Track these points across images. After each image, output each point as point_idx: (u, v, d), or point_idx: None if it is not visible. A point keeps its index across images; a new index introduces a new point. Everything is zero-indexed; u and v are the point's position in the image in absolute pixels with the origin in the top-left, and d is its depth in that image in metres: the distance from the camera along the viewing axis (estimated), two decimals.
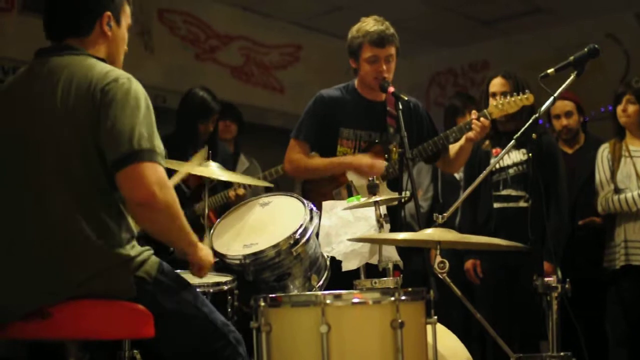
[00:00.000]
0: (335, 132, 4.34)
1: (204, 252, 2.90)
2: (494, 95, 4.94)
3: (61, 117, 2.63)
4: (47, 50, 2.82)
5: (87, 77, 2.66)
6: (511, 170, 4.93)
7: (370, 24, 4.29)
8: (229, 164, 5.72)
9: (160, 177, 2.63)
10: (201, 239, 4.09)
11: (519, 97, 4.27)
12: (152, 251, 2.77)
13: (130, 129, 2.60)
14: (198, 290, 3.01)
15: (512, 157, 4.94)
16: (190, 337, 2.78)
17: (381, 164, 4.22)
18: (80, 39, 2.81)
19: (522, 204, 4.90)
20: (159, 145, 2.67)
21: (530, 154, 4.83)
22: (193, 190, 4.96)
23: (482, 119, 4.17)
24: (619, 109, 5.11)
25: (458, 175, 5.85)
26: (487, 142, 5.09)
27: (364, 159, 4.24)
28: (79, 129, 2.62)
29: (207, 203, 4.02)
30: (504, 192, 4.95)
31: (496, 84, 4.99)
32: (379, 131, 4.37)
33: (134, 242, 2.72)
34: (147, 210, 2.62)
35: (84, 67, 2.70)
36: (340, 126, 4.34)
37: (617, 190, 5.01)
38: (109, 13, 2.85)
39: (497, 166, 4.93)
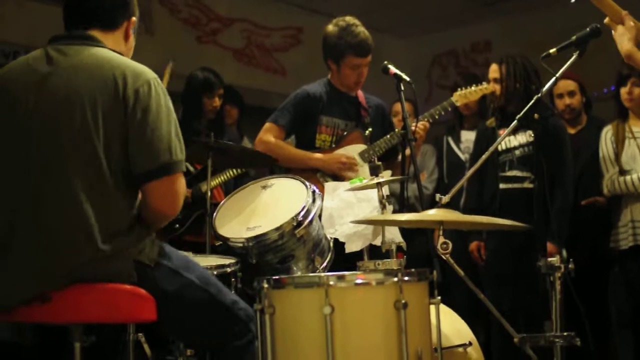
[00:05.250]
0: (314, 122, 4.57)
1: None
2: (489, 80, 5.07)
3: (85, 108, 2.62)
4: (65, 37, 2.81)
5: (114, 71, 2.66)
6: (517, 152, 4.94)
7: (352, 33, 4.50)
8: None
9: (184, 187, 2.78)
10: (205, 218, 4.15)
11: (479, 87, 4.86)
12: (153, 235, 2.77)
13: (167, 139, 2.68)
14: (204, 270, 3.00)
15: (518, 138, 4.96)
16: (195, 319, 2.78)
17: (352, 172, 4.45)
18: (103, 32, 2.84)
19: (527, 185, 4.90)
20: (184, 150, 2.76)
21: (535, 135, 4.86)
22: (199, 170, 4.98)
23: (421, 123, 4.48)
24: (624, 91, 5.08)
25: (464, 157, 5.88)
26: (491, 119, 5.11)
27: (336, 158, 4.50)
28: (104, 122, 2.62)
29: (212, 181, 4.07)
30: (510, 173, 4.95)
31: (491, 70, 5.15)
32: (354, 120, 4.64)
33: (137, 227, 2.71)
34: (163, 220, 2.79)
35: (108, 59, 2.71)
36: (321, 114, 4.56)
37: (622, 172, 4.99)
38: (134, 19, 2.94)
39: (504, 147, 4.95)
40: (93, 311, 2.63)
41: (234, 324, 2.80)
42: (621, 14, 3.08)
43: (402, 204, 4.28)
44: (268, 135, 4.53)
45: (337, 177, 4.43)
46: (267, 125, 4.57)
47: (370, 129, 4.66)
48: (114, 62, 2.70)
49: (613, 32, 3.12)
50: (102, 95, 2.63)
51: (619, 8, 3.10)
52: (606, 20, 3.12)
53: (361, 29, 4.52)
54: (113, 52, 2.78)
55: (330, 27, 4.57)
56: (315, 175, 4.47)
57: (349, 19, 4.56)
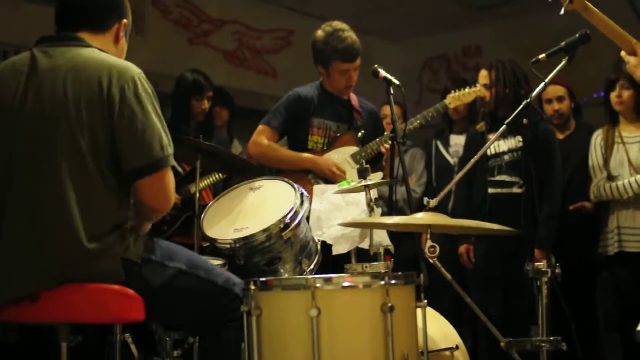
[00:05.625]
0: (306, 124, 4.60)
1: None
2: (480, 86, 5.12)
3: (69, 108, 2.62)
4: (52, 39, 2.81)
5: (99, 70, 2.67)
6: (506, 157, 4.96)
7: (338, 38, 4.52)
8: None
9: (173, 181, 2.77)
10: (194, 219, 4.16)
11: (472, 89, 4.95)
12: (137, 233, 2.76)
13: (159, 135, 2.68)
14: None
15: (507, 143, 4.97)
16: (190, 304, 2.80)
17: (341, 175, 4.47)
18: (92, 34, 2.84)
19: (515, 190, 4.92)
20: (172, 145, 2.76)
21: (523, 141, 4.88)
22: (188, 171, 4.98)
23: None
24: (613, 95, 5.09)
25: (452, 161, 5.89)
26: (481, 124, 5.13)
27: (329, 164, 4.51)
28: (89, 121, 2.62)
29: (199, 183, 4.08)
30: (498, 178, 4.97)
31: (481, 75, 5.19)
32: (346, 123, 4.68)
33: (123, 225, 2.70)
34: (158, 214, 2.81)
35: (93, 58, 2.71)
36: (312, 116, 4.59)
37: (610, 178, 5.01)
38: (126, 21, 2.94)
39: (493, 152, 4.97)
40: (81, 311, 2.63)
41: (230, 301, 2.81)
42: (632, 43, 3.10)
43: (391, 207, 4.30)
44: (261, 138, 4.55)
45: (329, 180, 4.44)
46: (260, 127, 4.59)
47: (362, 131, 4.68)
48: (98, 62, 2.70)
49: (627, 64, 3.14)
50: (86, 95, 2.63)
51: (629, 37, 3.11)
52: (622, 53, 3.15)
53: (348, 34, 4.53)
54: (98, 51, 2.77)
55: (318, 33, 4.60)
56: (307, 177, 4.50)
57: (337, 24, 4.58)
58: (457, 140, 5.97)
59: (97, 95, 2.63)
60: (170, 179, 2.74)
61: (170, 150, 2.72)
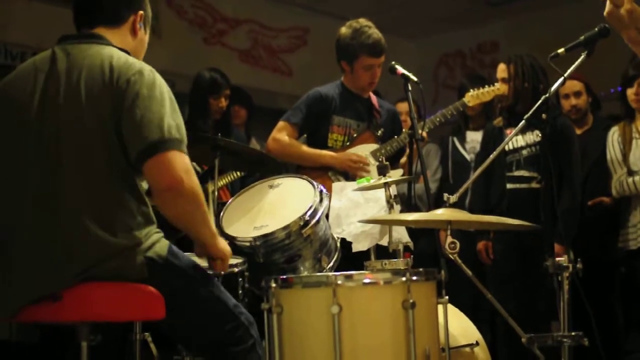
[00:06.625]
0: (327, 122, 4.64)
1: (224, 242, 2.90)
2: (498, 80, 5.09)
3: (84, 105, 2.62)
4: (72, 37, 2.83)
5: (110, 66, 2.66)
6: (525, 152, 4.94)
7: (365, 34, 4.58)
8: None
9: (187, 164, 2.66)
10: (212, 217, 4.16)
11: (491, 88, 4.98)
12: (162, 233, 2.76)
13: (159, 118, 2.62)
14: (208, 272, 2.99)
15: (526, 138, 4.95)
16: (200, 319, 2.78)
17: (363, 172, 4.52)
18: (110, 29, 2.85)
19: (534, 185, 4.89)
20: (185, 135, 2.70)
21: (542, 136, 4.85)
22: (206, 170, 4.99)
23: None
24: (630, 92, 5.06)
25: (469, 156, 5.88)
26: (499, 119, 5.11)
27: (348, 156, 4.57)
28: (102, 116, 2.62)
29: (218, 182, 4.08)
30: (517, 173, 4.94)
31: (499, 69, 5.15)
32: (365, 121, 4.72)
33: (147, 225, 2.70)
34: (173, 195, 2.61)
35: (106, 56, 2.70)
36: (333, 114, 4.63)
37: (630, 173, 4.98)
38: (142, 13, 2.94)
39: (511, 147, 4.95)
40: (103, 310, 2.62)
41: (236, 328, 2.80)
42: None
43: (409, 204, 4.30)
44: (282, 134, 4.60)
45: (349, 176, 4.46)
46: (281, 124, 4.63)
47: (382, 129, 4.71)
48: (110, 58, 2.69)
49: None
50: (100, 92, 2.63)
51: None
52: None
53: (374, 30, 4.59)
54: (114, 49, 2.77)
55: (344, 29, 4.64)
56: (327, 174, 4.54)
57: (362, 20, 4.63)
58: (474, 137, 5.95)
59: (108, 91, 2.63)
60: (177, 160, 2.61)
61: (176, 134, 2.63)
